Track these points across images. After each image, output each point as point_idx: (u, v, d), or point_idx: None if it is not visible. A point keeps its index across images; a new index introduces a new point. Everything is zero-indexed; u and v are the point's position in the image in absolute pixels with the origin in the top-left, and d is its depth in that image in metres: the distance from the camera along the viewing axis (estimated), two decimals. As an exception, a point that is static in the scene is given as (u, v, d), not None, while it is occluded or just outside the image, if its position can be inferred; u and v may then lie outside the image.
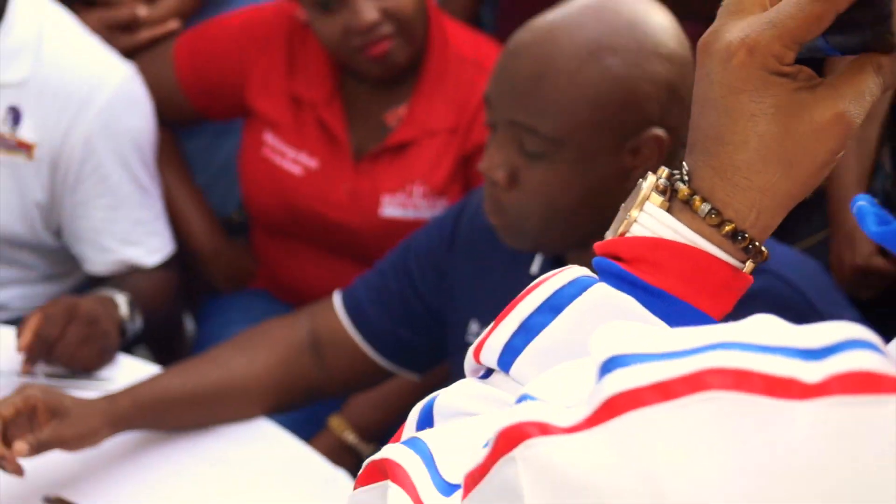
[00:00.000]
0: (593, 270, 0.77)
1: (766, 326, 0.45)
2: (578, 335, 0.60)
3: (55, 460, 1.44)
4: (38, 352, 1.55)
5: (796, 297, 1.37)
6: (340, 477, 1.48)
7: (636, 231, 0.65)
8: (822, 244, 1.84)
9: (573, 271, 0.66)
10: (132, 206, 1.84)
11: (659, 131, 1.28)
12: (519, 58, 1.32)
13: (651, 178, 0.65)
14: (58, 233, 1.81)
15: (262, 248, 2.03)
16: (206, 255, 2.02)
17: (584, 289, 0.64)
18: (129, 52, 1.87)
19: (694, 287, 0.64)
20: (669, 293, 0.63)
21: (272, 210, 1.92)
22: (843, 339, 0.42)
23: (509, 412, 0.47)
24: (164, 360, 1.73)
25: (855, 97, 0.63)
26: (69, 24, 1.78)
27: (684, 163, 0.66)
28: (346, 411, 1.77)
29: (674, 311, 0.63)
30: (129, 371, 1.63)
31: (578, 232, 1.34)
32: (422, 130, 1.80)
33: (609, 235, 0.68)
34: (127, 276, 1.84)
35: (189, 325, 2.26)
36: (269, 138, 1.86)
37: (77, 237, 1.81)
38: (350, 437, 1.75)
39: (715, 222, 0.63)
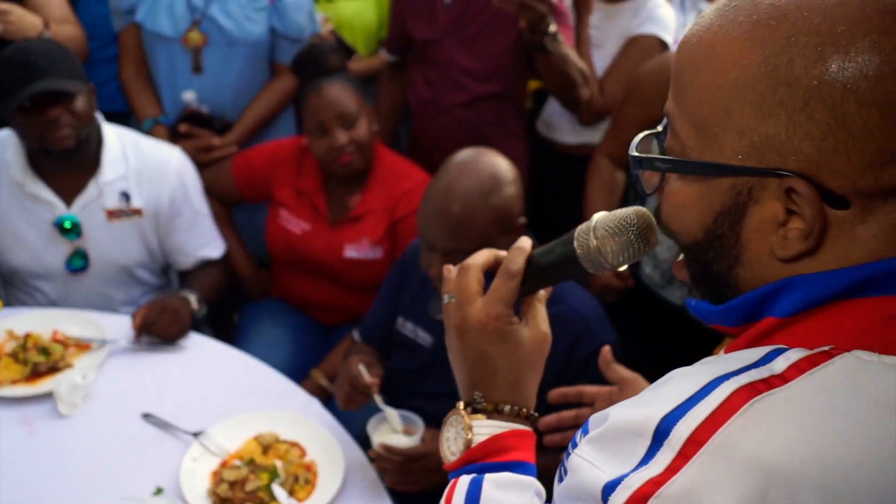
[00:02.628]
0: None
1: (731, 357, 0.55)
2: None
3: (149, 385, 1.71)
4: (143, 329, 1.91)
5: (578, 318, 1.67)
6: (314, 402, 1.80)
7: (476, 441, 0.77)
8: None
9: (462, 481, 0.75)
10: (199, 225, 2.21)
11: (521, 219, 1.65)
12: (440, 216, 1.61)
13: (462, 413, 0.78)
14: (162, 251, 2.20)
15: (278, 274, 2.45)
16: (246, 278, 2.47)
17: (480, 482, 0.74)
18: (206, 164, 2.39)
19: (522, 448, 0.76)
20: (514, 460, 0.75)
21: (283, 253, 2.35)
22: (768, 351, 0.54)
23: (614, 496, 0.51)
24: (219, 337, 2.06)
25: (542, 320, 0.78)
26: (133, 135, 2.14)
27: (475, 393, 0.78)
28: (321, 367, 2.20)
29: (518, 467, 0.76)
30: (196, 341, 1.97)
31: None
32: (368, 209, 2.26)
33: (451, 457, 0.79)
34: (201, 271, 2.20)
35: (235, 317, 2.66)
36: (283, 212, 2.33)
37: (171, 250, 2.22)
38: (323, 380, 2.16)
39: (516, 412, 0.77)
